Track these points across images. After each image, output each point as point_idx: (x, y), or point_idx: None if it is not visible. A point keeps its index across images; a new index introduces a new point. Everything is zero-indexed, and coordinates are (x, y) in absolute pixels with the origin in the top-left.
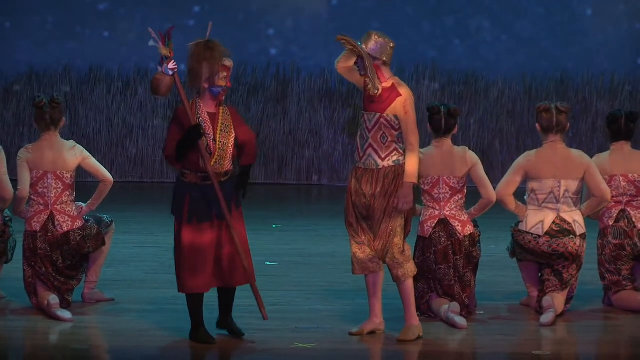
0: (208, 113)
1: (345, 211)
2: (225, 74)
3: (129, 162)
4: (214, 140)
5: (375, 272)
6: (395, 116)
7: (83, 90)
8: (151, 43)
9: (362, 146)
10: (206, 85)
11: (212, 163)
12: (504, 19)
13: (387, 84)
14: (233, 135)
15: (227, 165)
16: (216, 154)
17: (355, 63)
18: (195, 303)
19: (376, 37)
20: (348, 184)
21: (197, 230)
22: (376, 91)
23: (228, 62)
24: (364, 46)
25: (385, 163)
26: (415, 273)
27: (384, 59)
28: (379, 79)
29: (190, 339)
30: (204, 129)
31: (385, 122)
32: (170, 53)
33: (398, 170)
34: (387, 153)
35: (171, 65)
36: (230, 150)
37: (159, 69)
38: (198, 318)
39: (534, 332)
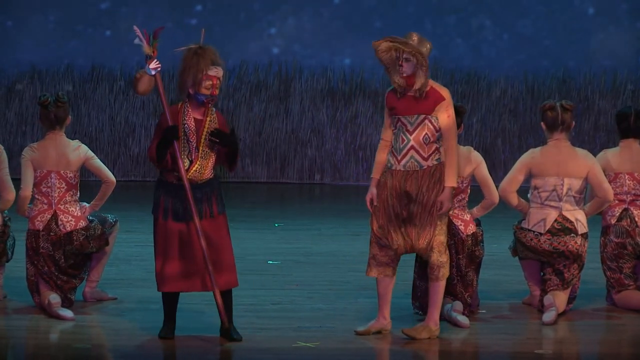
0: (195, 119)
1: (375, 214)
2: (210, 82)
3: (131, 161)
4: (197, 148)
5: (390, 277)
6: (436, 118)
7: (85, 89)
8: (136, 41)
9: (399, 149)
10: (192, 92)
11: (192, 171)
12: (506, 17)
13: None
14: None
15: (208, 174)
16: (197, 162)
17: (400, 65)
18: (166, 300)
19: (418, 38)
20: (379, 188)
21: (170, 229)
22: (424, 89)
23: (213, 72)
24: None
25: (429, 162)
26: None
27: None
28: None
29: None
30: (189, 135)
31: (429, 123)
32: (153, 52)
33: (441, 168)
34: (429, 153)
35: (153, 64)
36: (213, 159)
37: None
38: (166, 314)
39: (536, 331)
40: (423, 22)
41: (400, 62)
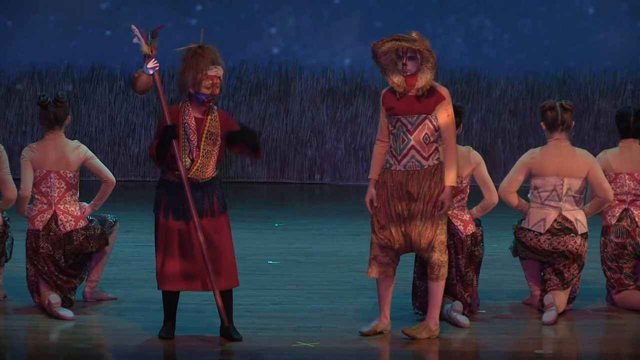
0: (195, 118)
1: (376, 214)
2: (210, 82)
3: (131, 161)
4: (198, 147)
5: (391, 277)
6: (436, 117)
7: (85, 89)
8: (135, 40)
9: (399, 149)
10: (192, 91)
11: (194, 170)
12: (506, 17)
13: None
14: (219, 142)
15: (210, 172)
16: (199, 161)
17: (404, 64)
18: (166, 299)
19: (418, 36)
20: (377, 189)
21: (170, 227)
22: (427, 87)
23: (213, 71)
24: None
25: (430, 162)
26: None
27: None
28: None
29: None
30: (189, 134)
31: (429, 123)
32: (151, 52)
33: (442, 168)
34: (429, 152)
35: (151, 64)
36: (215, 158)
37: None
38: (166, 314)
39: (536, 331)
40: (423, 22)
41: (404, 61)
